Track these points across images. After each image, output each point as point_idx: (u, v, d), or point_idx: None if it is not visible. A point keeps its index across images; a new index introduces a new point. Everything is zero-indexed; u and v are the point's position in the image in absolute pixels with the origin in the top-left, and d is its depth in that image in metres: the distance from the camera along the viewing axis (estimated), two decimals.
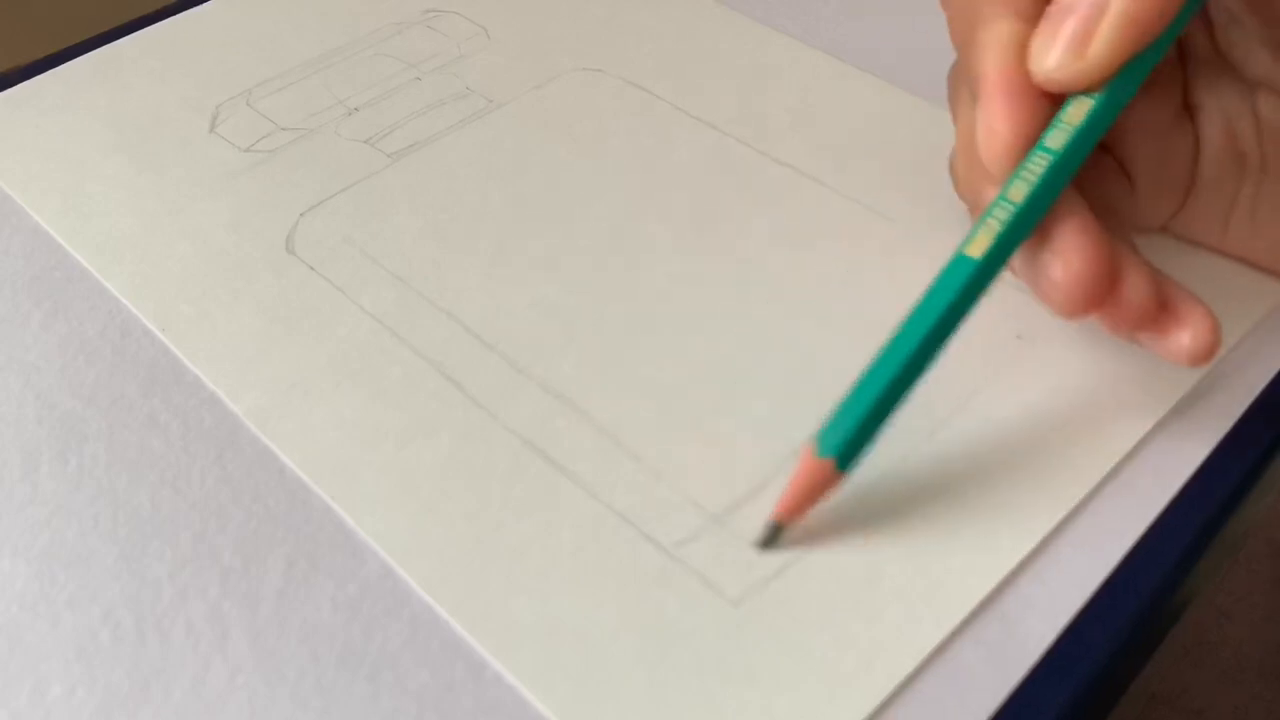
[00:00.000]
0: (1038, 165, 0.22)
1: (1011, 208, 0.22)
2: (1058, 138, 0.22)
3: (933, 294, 0.22)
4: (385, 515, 0.24)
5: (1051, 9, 0.22)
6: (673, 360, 0.26)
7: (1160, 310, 0.22)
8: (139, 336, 0.28)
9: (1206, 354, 0.22)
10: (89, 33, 0.38)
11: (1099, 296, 0.22)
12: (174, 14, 0.39)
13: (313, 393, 0.26)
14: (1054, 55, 0.22)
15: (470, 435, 0.25)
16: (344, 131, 0.34)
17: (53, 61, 0.37)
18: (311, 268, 0.29)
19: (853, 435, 0.22)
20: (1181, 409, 0.25)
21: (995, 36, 0.23)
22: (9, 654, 0.22)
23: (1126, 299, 0.22)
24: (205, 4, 0.39)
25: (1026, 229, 0.22)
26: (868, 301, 0.27)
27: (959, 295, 0.22)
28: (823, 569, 0.22)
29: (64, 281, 0.30)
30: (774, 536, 0.22)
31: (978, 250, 0.22)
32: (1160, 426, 0.25)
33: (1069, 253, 0.22)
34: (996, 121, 0.22)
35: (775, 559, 0.22)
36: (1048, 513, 0.23)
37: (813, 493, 0.22)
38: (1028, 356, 0.26)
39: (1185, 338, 0.22)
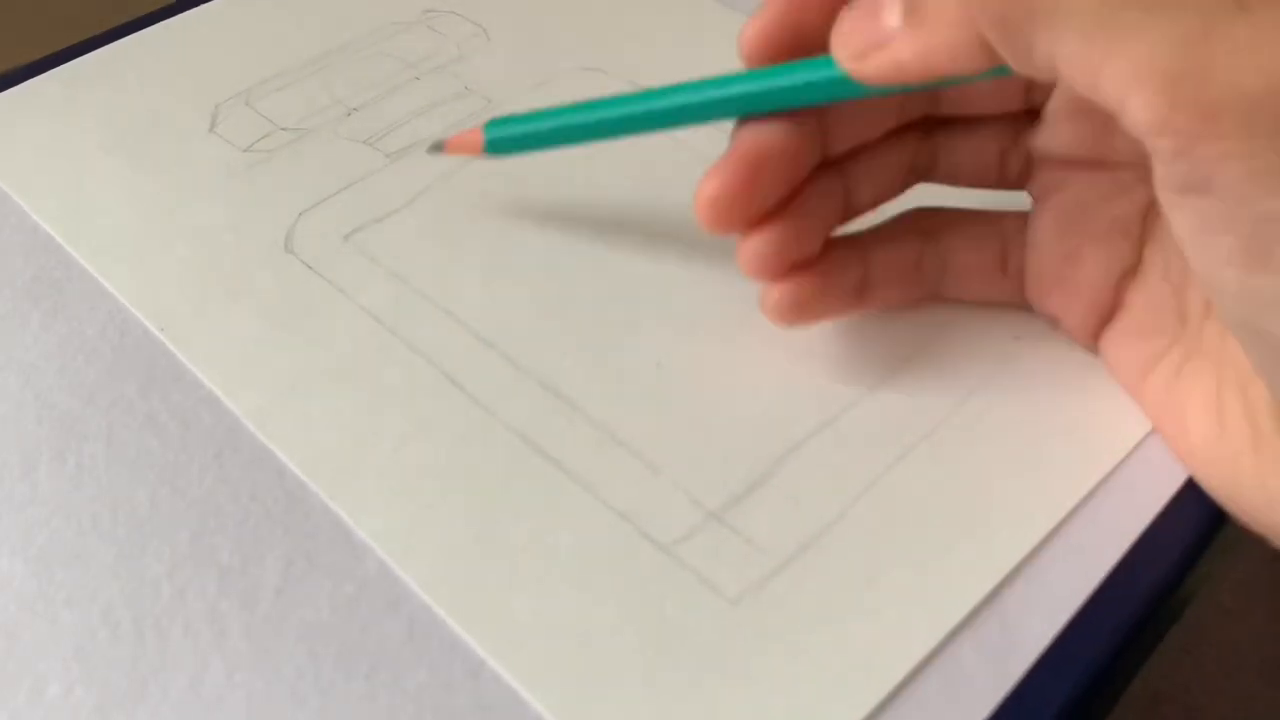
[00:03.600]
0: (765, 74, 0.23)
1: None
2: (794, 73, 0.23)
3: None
4: (383, 514, 0.24)
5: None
6: (671, 358, 0.26)
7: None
8: (138, 336, 0.28)
9: (779, 314, 0.24)
10: (89, 33, 0.38)
11: (718, 220, 0.23)
12: (173, 14, 0.39)
13: (311, 392, 0.26)
14: (847, 41, 0.22)
15: (468, 433, 0.25)
16: (343, 131, 0.34)
17: (53, 61, 0.37)
18: (310, 267, 0.29)
19: (505, 136, 0.28)
20: None
21: None
22: (7, 653, 0.22)
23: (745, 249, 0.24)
24: (204, 4, 0.39)
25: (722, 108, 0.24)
26: None
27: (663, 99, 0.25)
28: (821, 569, 0.22)
29: (63, 281, 0.30)
30: (438, 149, 0.29)
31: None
32: None
33: (713, 172, 0.23)
34: (762, 15, 0.24)
35: (773, 557, 0.22)
36: (1046, 513, 0.23)
37: (468, 147, 0.29)
38: (1026, 357, 0.26)
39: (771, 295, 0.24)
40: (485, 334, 0.27)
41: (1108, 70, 0.18)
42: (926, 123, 0.26)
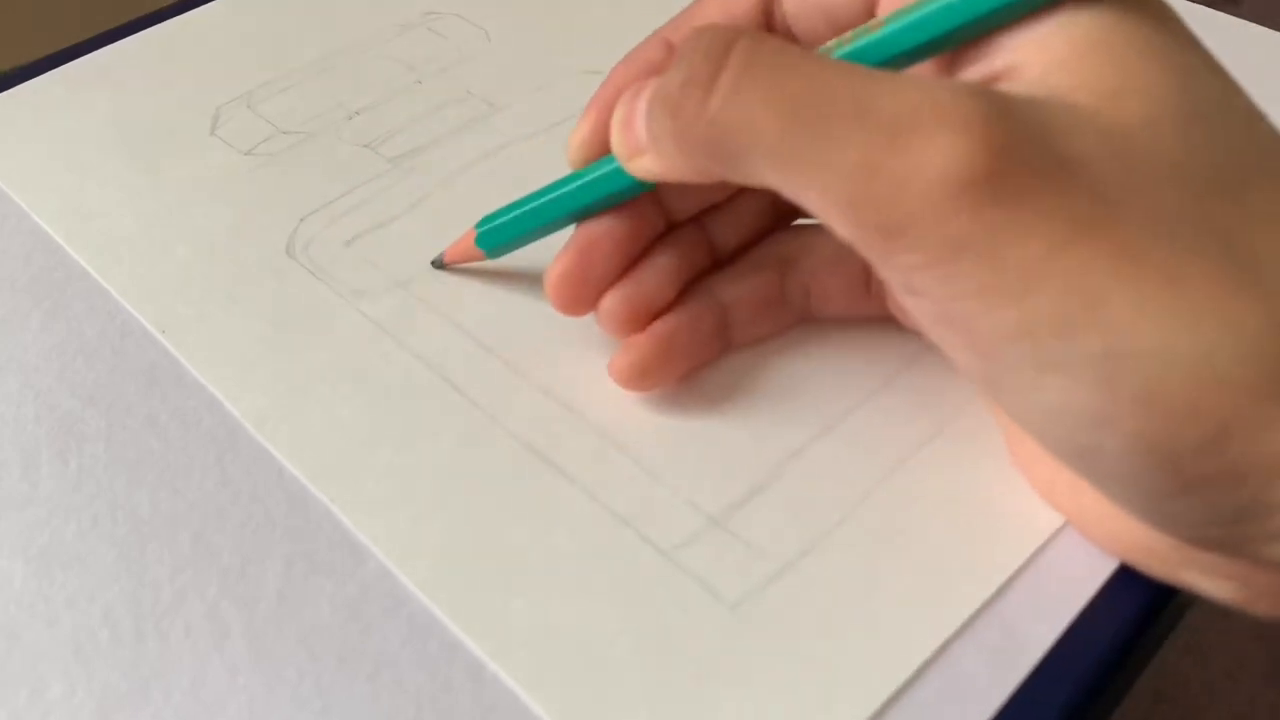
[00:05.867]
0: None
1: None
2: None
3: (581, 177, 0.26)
4: (384, 517, 0.24)
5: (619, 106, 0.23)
6: None
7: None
8: (138, 338, 0.28)
9: (623, 378, 0.25)
10: (89, 33, 0.38)
11: (566, 299, 0.25)
12: (175, 15, 0.39)
13: (312, 395, 0.26)
14: (616, 148, 0.24)
15: (469, 438, 0.25)
16: (345, 135, 0.34)
17: (53, 61, 0.37)
18: (311, 272, 0.29)
19: (493, 233, 0.27)
20: None
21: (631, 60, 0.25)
22: (7, 654, 0.22)
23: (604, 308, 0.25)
24: (206, 5, 0.39)
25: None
26: None
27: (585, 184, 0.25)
28: (822, 573, 0.22)
29: (64, 282, 0.30)
30: (440, 264, 0.29)
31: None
32: None
33: (558, 258, 0.25)
34: (583, 122, 0.25)
35: (773, 561, 0.22)
36: (1048, 516, 0.23)
37: (464, 254, 0.28)
38: None
39: (617, 358, 0.25)
40: (486, 339, 0.27)
41: (804, 198, 0.19)
42: None
